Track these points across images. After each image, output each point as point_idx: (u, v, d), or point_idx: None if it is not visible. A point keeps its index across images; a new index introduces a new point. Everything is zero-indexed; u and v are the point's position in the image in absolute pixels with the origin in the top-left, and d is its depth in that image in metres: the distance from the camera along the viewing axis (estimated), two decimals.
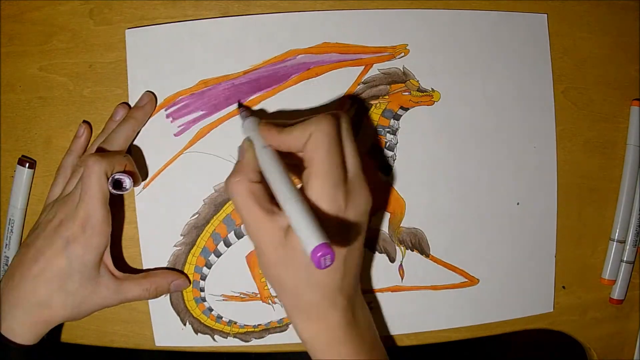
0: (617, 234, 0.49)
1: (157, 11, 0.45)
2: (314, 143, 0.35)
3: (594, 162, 0.49)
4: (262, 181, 0.37)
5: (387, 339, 0.48)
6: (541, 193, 0.48)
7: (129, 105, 0.45)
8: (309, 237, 0.32)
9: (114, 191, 0.40)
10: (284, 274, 0.37)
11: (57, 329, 0.46)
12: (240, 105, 0.45)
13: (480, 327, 0.48)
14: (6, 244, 0.45)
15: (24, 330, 0.39)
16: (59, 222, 0.40)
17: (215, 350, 0.47)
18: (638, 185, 0.49)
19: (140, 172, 0.44)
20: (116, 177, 0.40)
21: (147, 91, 0.45)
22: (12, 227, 0.45)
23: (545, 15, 0.48)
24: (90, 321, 0.46)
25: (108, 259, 0.41)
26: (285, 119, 0.39)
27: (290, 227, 0.34)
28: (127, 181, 0.41)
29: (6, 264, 0.45)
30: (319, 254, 0.31)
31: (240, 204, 0.36)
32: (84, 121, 0.45)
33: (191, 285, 0.46)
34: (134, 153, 0.45)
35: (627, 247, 0.49)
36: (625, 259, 0.49)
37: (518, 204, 0.48)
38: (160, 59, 0.45)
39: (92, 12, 0.45)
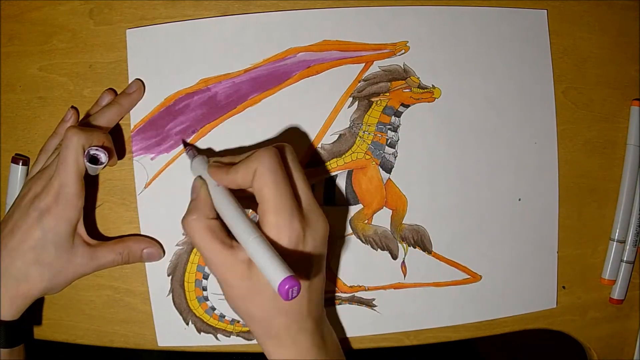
0: (617, 234, 0.49)
1: (157, 11, 0.45)
2: (260, 179, 0.36)
3: (594, 162, 0.49)
4: (218, 217, 0.37)
5: (389, 338, 0.48)
6: (543, 189, 0.48)
7: (116, 93, 0.45)
8: (274, 272, 0.32)
9: (89, 165, 0.40)
10: (252, 305, 0.37)
11: (39, 307, 0.46)
12: (186, 145, 0.45)
13: (480, 327, 0.48)
14: None
15: (4, 305, 0.39)
16: (34, 195, 0.40)
17: (218, 350, 0.47)
18: (638, 185, 0.49)
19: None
20: (92, 151, 0.40)
21: (137, 79, 0.45)
22: None
23: (545, 11, 0.48)
24: (90, 321, 0.46)
25: (82, 229, 0.41)
26: (232, 154, 0.40)
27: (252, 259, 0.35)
28: (102, 156, 0.40)
29: None
30: (286, 287, 0.32)
31: (199, 241, 0.37)
32: (72, 107, 0.45)
33: (194, 285, 0.46)
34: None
35: (627, 247, 0.49)
36: (625, 259, 0.49)
37: (520, 200, 0.48)
38: (161, 58, 0.45)
39: (92, 12, 0.45)
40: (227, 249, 0.36)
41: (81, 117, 0.45)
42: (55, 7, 0.45)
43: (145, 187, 0.45)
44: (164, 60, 0.45)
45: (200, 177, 0.39)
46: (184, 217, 0.38)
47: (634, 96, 0.49)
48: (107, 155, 0.40)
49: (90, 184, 0.44)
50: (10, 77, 0.46)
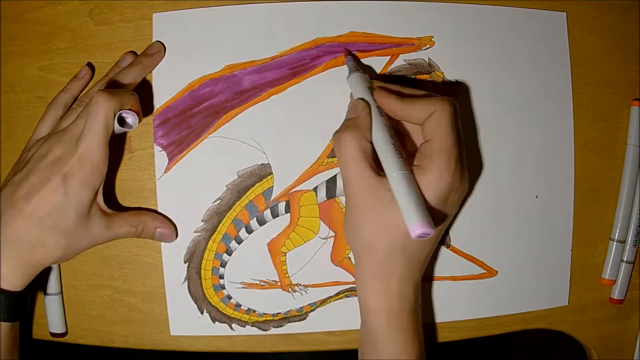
0: (617, 234, 0.49)
1: (156, 11, 0.45)
2: (438, 120, 0.37)
3: (594, 162, 0.49)
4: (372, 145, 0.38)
5: None
6: (559, 187, 0.48)
7: (136, 54, 0.45)
8: (414, 215, 0.33)
9: (118, 128, 0.39)
10: (379, 237, 0.37)
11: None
12: (348, 54, 0.45)
13: (480, 327, 0.48)
14: None
15: (15, 274, 0.37)
16: (54, 158, 0.38)
17: (233, 340, 0.46)
18: (638, 185, 0.49)
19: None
20: (122, 114, 0.39)
21: (157, 41, 0.45)
22: None
23: (565, 13, 0.48)
24: (90, 321, 0.46)
25: (100, 198, 0.40)
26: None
27: None
28: (130, 119, 0.40)
29: None
30: (418, 232, 0.33)
31: (350, 160, 0.37)
32: (88, 64, 0.45)
33: (210, 272, 0.45)
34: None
35: (627, 247, 0.49)
36: (625, 259, 0.49)
37: (536, 197, 0.48)
38: (187, 43, 0.45)
39: (92, 12, 0.45)
40: (376, 175, 0.36)
41: (96, 80, 0.44)
42: (55, 7, 0.45)
43: (165, 172, 0.45)
44: (190, 45, 0.45)
45: (362, 99, 0.40)
46: (339, 131, 0.38)
47: (634, 96, 0.49)
48: (136, 118, 0.40)
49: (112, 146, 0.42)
50: (10, 77, 0.46)
